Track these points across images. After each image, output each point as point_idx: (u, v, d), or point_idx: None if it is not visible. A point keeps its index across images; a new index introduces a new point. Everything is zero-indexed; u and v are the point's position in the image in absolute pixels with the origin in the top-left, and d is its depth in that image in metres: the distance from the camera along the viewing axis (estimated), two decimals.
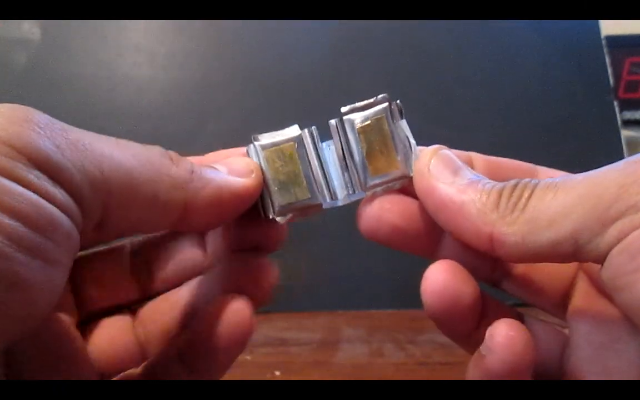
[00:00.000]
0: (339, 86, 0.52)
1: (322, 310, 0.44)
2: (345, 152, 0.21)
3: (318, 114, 0.57)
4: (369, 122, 0.22)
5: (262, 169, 0.21)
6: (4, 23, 0.53)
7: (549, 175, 0.23)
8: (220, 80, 0.52)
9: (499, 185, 0.19)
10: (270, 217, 0.20)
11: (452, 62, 0.54)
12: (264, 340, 0.39)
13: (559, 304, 0.22)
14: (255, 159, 0.21)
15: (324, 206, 0.21)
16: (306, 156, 0.21)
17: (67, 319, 0.20)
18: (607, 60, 0.53)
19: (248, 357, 0.36)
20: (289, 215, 0.20)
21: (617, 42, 0.56)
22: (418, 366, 0.38)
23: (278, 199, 0.20)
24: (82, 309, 0.21)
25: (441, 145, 0.21)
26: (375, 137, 0.21)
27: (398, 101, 0.23)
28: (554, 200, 0.17)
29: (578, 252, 0.17)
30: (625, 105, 0.58)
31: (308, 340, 0.40)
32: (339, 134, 0.22)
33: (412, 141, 0.22)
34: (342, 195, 0.21)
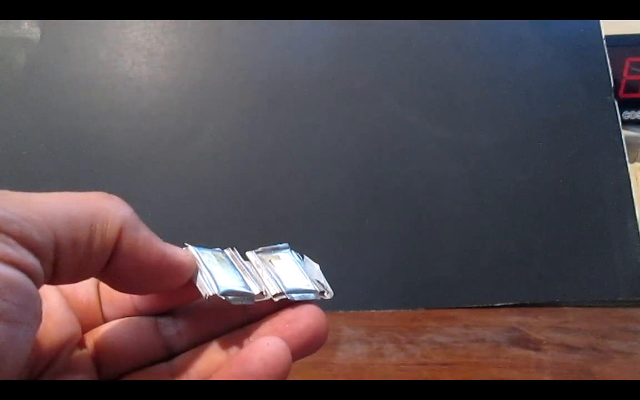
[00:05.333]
0: (339, 86, 0.52)
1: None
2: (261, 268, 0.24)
3: (318, 114, 0.58)
4: (278, 255, 0.25)
5: (200, 259, 0.22)
6: (4, 23, 0.53)
7: None
8: (220, 80, 0.52)
9: None
10: (212, 294, 0.21)
11: (452, 62, 0.54)
12: None
13: None
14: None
15: (255, 299, 0.22)
16: (234, 262, 0.24)
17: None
18: (607, 60, 0.54)
19: None
20: (230, 297, 0.21)
21: (617, 42, 0.56)
22: (418, 366, 0.37)
23: (221, 281, 0.22)
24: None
25: None
26: (285, 264, 0.25)
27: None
28: None
29: None
30: (625, 105, 0.58)
31: None
32: (258, 260, 0.25)
33: (317, 268, 0.25)
34: (274, 292, 0.23)
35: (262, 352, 0.20)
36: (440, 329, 0.42)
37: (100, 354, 0.21)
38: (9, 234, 0.15)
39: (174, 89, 0.52)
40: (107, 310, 0.23)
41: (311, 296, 0.24)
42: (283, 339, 0.20)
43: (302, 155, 0.50)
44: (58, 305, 0.21)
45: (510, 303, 0.46)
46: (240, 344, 0.21)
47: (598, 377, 0.34)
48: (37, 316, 0.16)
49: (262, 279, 0.23)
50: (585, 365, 0.36)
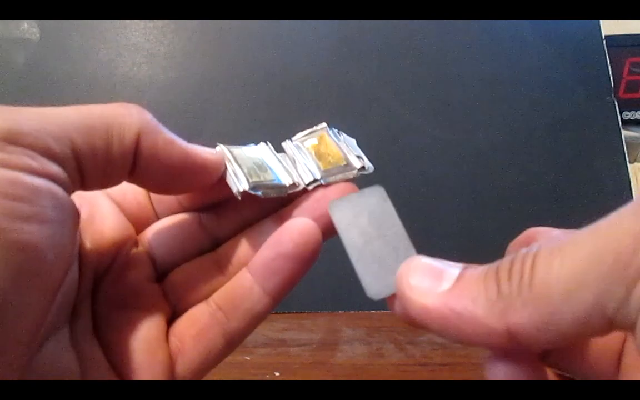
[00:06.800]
0: (339, 86, 0.52)
1: (322, 311, 0.44)
2: (297, 158, 0.24)
3: (318, 114, 0.58)
4: (314, 138, 0.25)
5: (231, 156, 0.23)
6: (4, 23, 0.53)
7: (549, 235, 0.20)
8: (220, 80, 0.52)
9: (492, 267, 0.16)
10: (242, 189, 0.22)
11: (452, 62, 0.54)
12: (263, 340, 0.39)
13: (612, 365, 0.20)
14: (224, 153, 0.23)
15: (288, 190, 0.23)
16: (268, 155, 0.24)
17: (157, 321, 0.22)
18: (607, 60, 0.53)
19: (248, 358, 0.36)
20: (259, 191, 0.22)
21: (617, 42, 0.56)
22: (418, 367, 0.37)
23: (251, 175, 0.22)
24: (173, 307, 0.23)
25: (412, 257, 0.19)
26: (321, 146, 0.25)
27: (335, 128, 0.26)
28: (561, 268, 0.14)
29: (611, 323, 0.14)
30: (625, 105, 0.58)
31: (308, 340, 0.40)
32: (293, 148, 0.25)
33: (354, 143, 0.25)
34: (308, 180, 0.23)
35: (292, 233, 0.21)
36: None
37: (154, 250, 0.23)
38: (27, 147, 0.16)
39: (174, 89, 0.52)
40: (159, 209, 0.24)
41: (351, 173, 0.24)
42: (312, 219, 0.22)
43: None
44: (111, 212, 0.23)
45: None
46: (274, 229, 0.22)
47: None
48: (71, 214, 0.18)
49: (296, 170, 0.24)
50: None
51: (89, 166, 0.18)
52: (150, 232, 0.23)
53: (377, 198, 0.22)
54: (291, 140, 0.25)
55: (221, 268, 0.23)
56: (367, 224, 0.22)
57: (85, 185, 0.19)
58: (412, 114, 0.52)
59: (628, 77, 0.58)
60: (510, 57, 0.54)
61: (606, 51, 0.54)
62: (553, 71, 0.54)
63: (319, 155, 0.24)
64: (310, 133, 0.25)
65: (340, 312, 0.45)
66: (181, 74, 0.53)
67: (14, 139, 0.16)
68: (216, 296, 0.23)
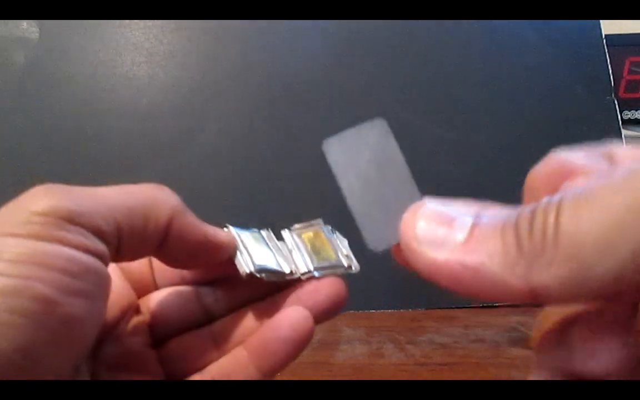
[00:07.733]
0: (338, 86, 0.52)
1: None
2: (294, 248, 0.26)
3: (317, 114, 0.58)
4: (310, 232, 0.26)
5: (239, 238, 0.25)
6: (3, 23, 0.53)
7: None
8: (220, 80, 0.52)
9: (510, 218, 0.15)
10: (249, 271, 0.23)
11: (452, 62, 0.54)
12: None
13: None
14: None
15: (286, 277, 0.25)
16: (269, 242, 0.26)
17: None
18: (607, 60, 0.54)
19: None
20: (263, 274, 0.24)
21: (617, 42, 0.56)
22: (418, 367, 0.37)
23: (256, 259, 0.24)
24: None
25: (421, 202, 0.17)
26: (316, 241, 0.26)
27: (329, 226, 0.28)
28: (592, 219, 0.13)
29: None
30: (625, 105, 0.58)
31: None
32: (291, 239, 0.27)
33: (346, 243, 0.26)
34: (302, 270, 0.25)
35: (290, 319, 0.23)
36: (440, 329, 0.42)
37: (152, 319, 0.25)
38: (82, 226, 0.18)
39: (174, 89, 0.52)
40: (159, 279, 0.26)
41: (339, 270, 0.25)
42: (306, 308, 0.23)
43: (301, 155, 0.49)
44: (116, 279, 0.24)
45: (510, 303, 0.46)
46: (270, 313, 0.24)
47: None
48: (108, 292, 0.20)
49: (292, 259, 0.25)
50: None
51: (126, 243, 0.20)
52: (152, 301, 0.25)
53: (377, 134, 0.21)
54: (290, 230, 0.27)
55: (217, 343, 0.24)
56: (366, 165, 0.20)
57: (118, 259, 0.20)
58: (412, 114, 0.52)
59: (628, 77, 0.58)
60: (510, 57, 0.54)
61: (606, 51, 0.54)
62: (553, 71, 0.54)
63: (314, 249, 0.26)
64: (307, 226, 0.27)
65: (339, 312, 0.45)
66: (181, 74, 0.53)
67: (73, 219, 0.18)
68: (212, 369, 0.24)
